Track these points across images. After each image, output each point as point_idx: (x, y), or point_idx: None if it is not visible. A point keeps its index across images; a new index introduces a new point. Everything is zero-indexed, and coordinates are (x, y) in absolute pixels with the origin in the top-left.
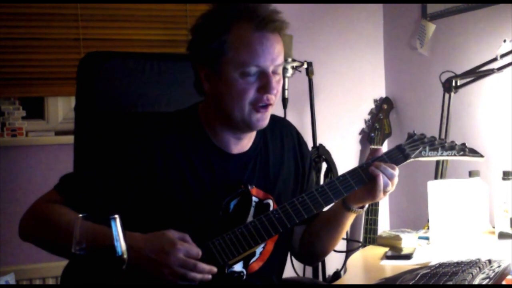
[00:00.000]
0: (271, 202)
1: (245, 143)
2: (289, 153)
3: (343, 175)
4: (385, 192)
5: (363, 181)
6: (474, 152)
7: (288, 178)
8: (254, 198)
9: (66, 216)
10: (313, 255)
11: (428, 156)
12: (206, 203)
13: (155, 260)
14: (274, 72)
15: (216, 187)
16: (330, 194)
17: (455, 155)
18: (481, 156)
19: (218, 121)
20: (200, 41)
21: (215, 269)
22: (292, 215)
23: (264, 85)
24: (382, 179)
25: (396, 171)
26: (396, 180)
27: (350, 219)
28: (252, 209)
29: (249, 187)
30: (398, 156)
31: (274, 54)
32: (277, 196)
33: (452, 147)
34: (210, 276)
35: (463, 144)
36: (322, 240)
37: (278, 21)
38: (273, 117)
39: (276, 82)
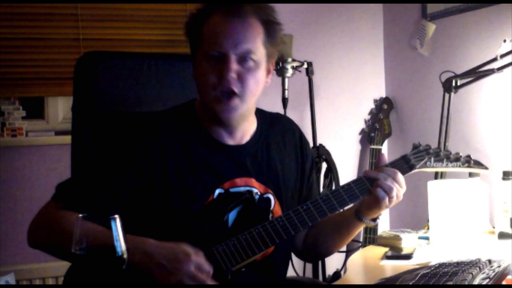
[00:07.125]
0: (271, 196)
1: (239, 136)
2: (290, 151)
3: (348, 183)
4: (390, 198)
5: (368, 190)
6: (479, 164)
7: (288, 175)
8: (255, 190)
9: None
10: (315, 255)
11: (433, 167)
12: (209, 208)
13: (165, 266)
14: (243, 60)
15: (216, 179)
16: (334, 203)
17: (460, 166)
18: (486, 168)
19: (207, 113)
20: (186, 34)
21: None
22: (297, 222)
23: (222, 68)
24: (383, 182)
25: (398, 174)
26: (402, 181)
27: (360, 228)
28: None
29: (254, 193)
30: (403, 166)
31: (236, 39)
32: (277, 192)
33: (457, 159)
34: None
35: (468, 156)
36: (328, 243)
37: (244, 6)
38: (275, 115)
39: (244, 69)
